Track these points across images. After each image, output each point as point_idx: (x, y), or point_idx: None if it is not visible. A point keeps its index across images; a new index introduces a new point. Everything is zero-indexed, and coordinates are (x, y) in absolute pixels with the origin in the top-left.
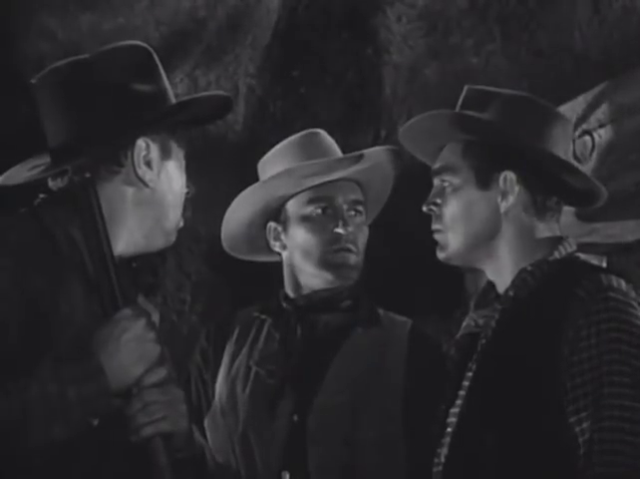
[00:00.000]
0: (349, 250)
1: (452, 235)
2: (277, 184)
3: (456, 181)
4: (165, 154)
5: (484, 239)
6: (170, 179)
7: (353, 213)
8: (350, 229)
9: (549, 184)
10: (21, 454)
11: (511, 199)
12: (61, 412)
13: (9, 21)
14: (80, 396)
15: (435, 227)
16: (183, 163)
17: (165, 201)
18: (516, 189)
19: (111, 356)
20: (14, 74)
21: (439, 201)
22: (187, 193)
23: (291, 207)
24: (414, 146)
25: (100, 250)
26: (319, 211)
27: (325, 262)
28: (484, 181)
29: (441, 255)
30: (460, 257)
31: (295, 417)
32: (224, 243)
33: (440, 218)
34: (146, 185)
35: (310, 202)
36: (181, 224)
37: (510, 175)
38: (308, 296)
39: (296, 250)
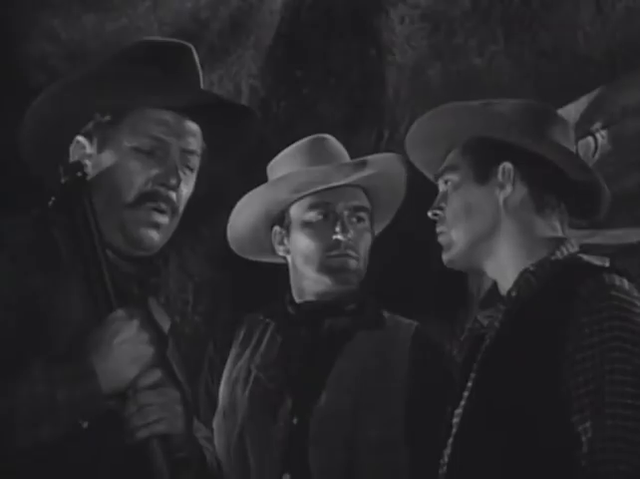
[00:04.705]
0: (348, 256)
1: (454, 232)
2: (276, 189)
3: (455, 178)
4: (101, 145)
5: (486, 234)
6: (101, 167)
7: (355, 219)
8: (350, 234)
9: (548, 176)
10: (10, 454)
11: (509, 189)
12: (48, 413)
13: (12, 21)
14: (69, 398)
15: (439, 229)
16: (143, 147)
17: (110, 189)
18: (514, 179)
19: (103, 358)
20: (17, 74)
21: (443, 204)
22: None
23: (294, 212)
24: (421, 151)
25: (92, 249)
26: (320, 216)
27: (324, 267)
28: (483, 174)
29: (445, 258)
30: (463, 257)
31: (295, 420)
32: (232, 245)
33: (443, 219)
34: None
35: (311, 207)
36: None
37: (508, 165)
38: (312, 302)
39: (298, 255)
